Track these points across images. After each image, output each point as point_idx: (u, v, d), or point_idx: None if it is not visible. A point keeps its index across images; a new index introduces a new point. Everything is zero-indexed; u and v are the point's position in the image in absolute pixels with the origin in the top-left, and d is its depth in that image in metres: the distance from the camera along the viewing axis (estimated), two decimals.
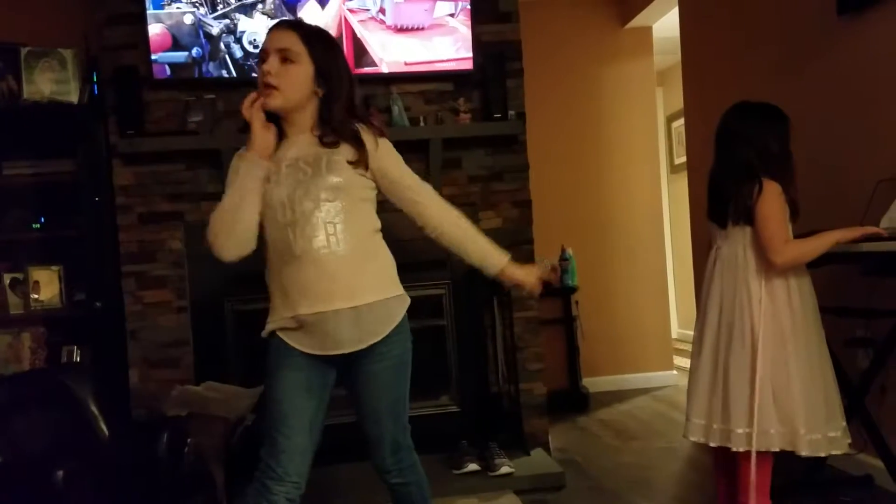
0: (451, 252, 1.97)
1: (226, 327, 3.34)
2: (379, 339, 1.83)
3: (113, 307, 3.29)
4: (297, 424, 1.82)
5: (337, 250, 1.78)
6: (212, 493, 2.60)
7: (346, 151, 1.84)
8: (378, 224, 1.92)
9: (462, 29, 3.34)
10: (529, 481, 3.05)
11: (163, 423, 2.56)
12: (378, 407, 1.89)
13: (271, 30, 1.85)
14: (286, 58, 1.81)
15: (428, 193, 1.94)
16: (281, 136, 1.86)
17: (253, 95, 1.83)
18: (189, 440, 2.49)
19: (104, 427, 2.27)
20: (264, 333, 1.88)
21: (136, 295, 3.29)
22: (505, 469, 3.05)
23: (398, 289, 1.91)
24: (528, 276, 1.96)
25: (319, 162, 1.81)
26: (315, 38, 1.85)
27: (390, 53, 3.29)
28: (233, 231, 1.82)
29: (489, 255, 1.93)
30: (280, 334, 1.85)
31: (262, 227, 1.85)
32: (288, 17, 3.20)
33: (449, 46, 3.33)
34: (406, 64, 3.29)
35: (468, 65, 3.38)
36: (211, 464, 2.63)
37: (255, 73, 3.16)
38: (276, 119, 1.85)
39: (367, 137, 1.86)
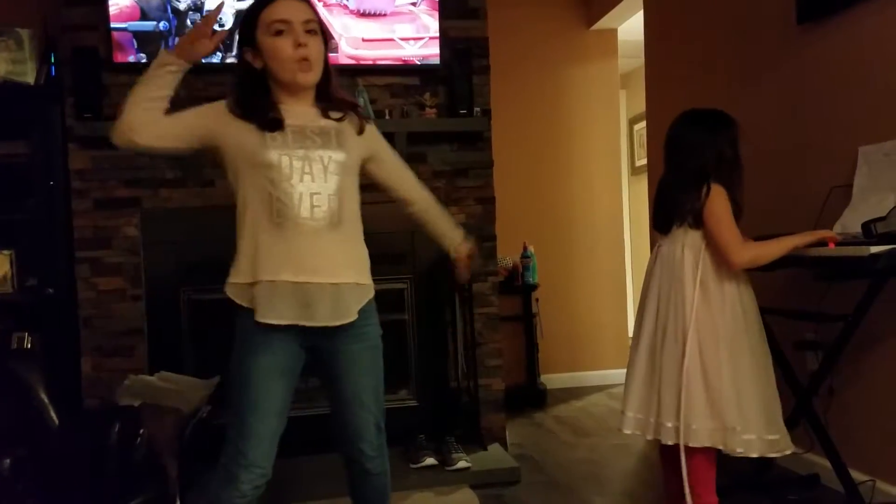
0: (421, 225, 2.11)
1: (181, 317, 3.29)
2: (351, 319, 1.83)
3: (65, 294, 3.22)
4: (267, 409, 1.78)
5: (332, 225, 1.79)
6: (164, 485, 2.55)
7: (349, 127, 1.87)
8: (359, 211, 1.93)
9: (424, 17, 3.37)
10: (485, 476, 3.07)
11: (115, 412, 2.51)
12: (364, 389, 1.89)
13: None
14: (311, 30, 1.78)
15: (410, 175, 2.05)
16: (270, 103, 1.81)
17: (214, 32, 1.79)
18: (141, 431, 2.44)
19: (54, 415, 2.22)
20: (230, 293, 1.81)
21: (89, 282, 3.22)
22: (461, 464, 3.06)
23: (370, 280, 1.92)
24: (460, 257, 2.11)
25: (328, 134, 1.81)
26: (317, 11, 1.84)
27: (350, 32, 3.33)
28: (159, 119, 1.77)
29: (449, 232, 2.12)
30: (250, 306, 1.78)
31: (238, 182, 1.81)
32: None
33: (411, 34, 3.36)
34: (364, 41, 3.32)
35: (433, 56, 3.38)
36: (163, 456, 2.59)
37: (221, 52, 3.16)
38: (265, 84, 1.82)
39: (372, 129, 1.95)
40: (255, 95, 1.81)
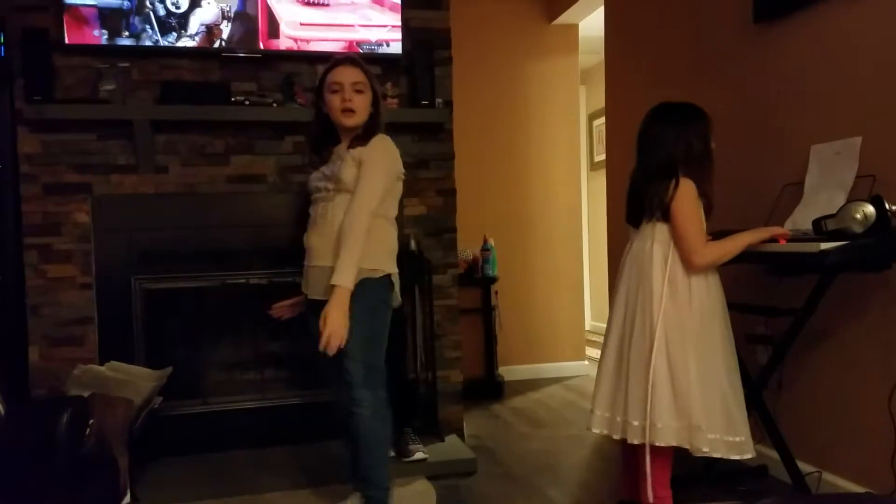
0: None
1: (132, 306, 3.22)
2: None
3: (13, 281, 3.13)
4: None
5: (331, 224, 2.35)
6: (114, 477, 2.50)
7: (355, 154, 2.38)
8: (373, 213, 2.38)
9: (366, 11, 3.36)
10: (442, 467, 3.07)
11: (63, 403, 2.44)
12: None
13: (341, 65, 2.42)
14: (358, 89, 2.40)
15: (353, 205, 2.33)
16: (336, 137, 2.49)
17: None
18: (91, 422, 2.39)
19: (0, 405, 2.15)
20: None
21: (38, 269, 3.13)
22: (419, 455, 3.07)
23: (369, 264, 2.31)
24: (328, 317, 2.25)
25: (341, 160, 2.40)
26: (370, 72, 2.46)
27: (292, 16, 3.31)
28: None
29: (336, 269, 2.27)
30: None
31: None
32: None
33: (354, 21, 3.37)
34: (301, 24, 3.33)
35: (383, 41, 3.36)
36: (113, 447, 2.54)
37: (176, 32, 3.10)
38: (331, 125, 2.47)
39: (370, 144, 2.39)
40: (322, 136, 2.51)
